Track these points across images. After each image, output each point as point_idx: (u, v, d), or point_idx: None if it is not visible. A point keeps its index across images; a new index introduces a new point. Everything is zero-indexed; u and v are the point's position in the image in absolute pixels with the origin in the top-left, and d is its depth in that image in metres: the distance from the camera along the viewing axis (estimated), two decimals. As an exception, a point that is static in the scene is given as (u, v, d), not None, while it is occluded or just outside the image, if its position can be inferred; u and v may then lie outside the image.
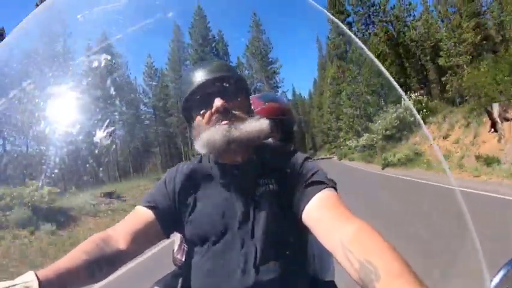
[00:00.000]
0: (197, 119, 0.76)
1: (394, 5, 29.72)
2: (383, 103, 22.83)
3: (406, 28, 28.33)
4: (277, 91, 38.29)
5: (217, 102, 0.72)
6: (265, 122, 0.75)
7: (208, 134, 0.72)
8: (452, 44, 23.31)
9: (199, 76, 0.75)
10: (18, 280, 0.52)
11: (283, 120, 1.15)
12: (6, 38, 0.78)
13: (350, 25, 32.10)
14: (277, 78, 41.73)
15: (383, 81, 23.07)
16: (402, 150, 15.23)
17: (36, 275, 0.53)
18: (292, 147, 0.86)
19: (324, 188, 0.69)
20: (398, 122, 18.52)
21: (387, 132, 18.91)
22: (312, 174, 0.73)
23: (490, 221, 3.86)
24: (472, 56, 22.34)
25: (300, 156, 0.79)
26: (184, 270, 0.82)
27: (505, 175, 7.16)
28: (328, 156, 40.60)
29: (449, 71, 23.83)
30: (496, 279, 0.57)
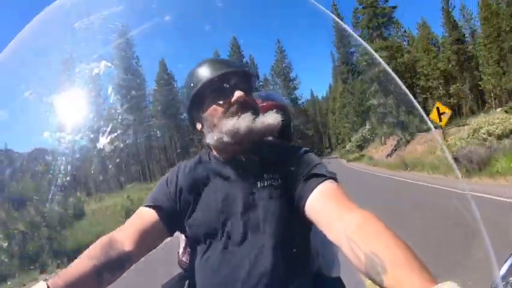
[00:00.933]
0: (212, 108, 0.75)
1: (390, 34, 32.86)
2: (363, 123, 36.49)
3: (399, 53, 32.40)
4: (297, 102, 49.18)
5: (238, 93, 0.73)
6: (278, 116, 0.77)
7: (232, 123, 0.71)
8: (429, 69, 32.93)
9: (218, 68, 0.76)
10: None
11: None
12: (7, 46, 0.75)
13: (351, 54, 43.57)
14: (297, 93, 53.62)
15: (364, 108, 36.34)
16: (355, 154, 29.75)
17: (47, 285, 0.56)
18: (290, 144, 0.91)
19: (325, 180, 0.70)
20: (362, 138, 32.67)
21: (357, 143, 33.31)
22: (313, 168, 0.73)
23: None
24: (445, 80, 32.73)
25: (300, 150, 0.79)
26: (189, 272, 0.82)
27: (369, 163, 20.74)
28: (335, 156, 51.01)
29: (427, 92, 33.76)
30: (504, 269, 0.59)
